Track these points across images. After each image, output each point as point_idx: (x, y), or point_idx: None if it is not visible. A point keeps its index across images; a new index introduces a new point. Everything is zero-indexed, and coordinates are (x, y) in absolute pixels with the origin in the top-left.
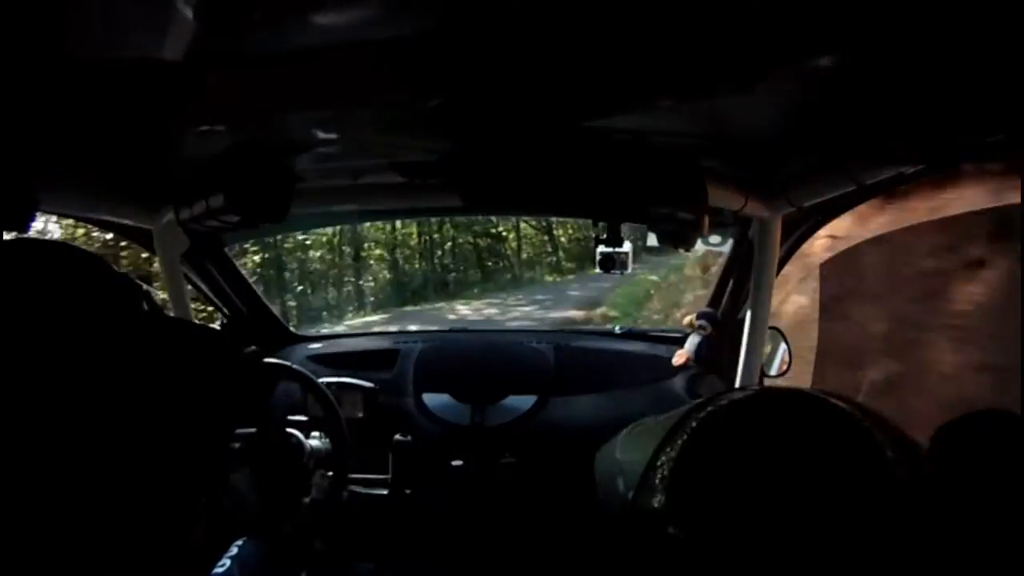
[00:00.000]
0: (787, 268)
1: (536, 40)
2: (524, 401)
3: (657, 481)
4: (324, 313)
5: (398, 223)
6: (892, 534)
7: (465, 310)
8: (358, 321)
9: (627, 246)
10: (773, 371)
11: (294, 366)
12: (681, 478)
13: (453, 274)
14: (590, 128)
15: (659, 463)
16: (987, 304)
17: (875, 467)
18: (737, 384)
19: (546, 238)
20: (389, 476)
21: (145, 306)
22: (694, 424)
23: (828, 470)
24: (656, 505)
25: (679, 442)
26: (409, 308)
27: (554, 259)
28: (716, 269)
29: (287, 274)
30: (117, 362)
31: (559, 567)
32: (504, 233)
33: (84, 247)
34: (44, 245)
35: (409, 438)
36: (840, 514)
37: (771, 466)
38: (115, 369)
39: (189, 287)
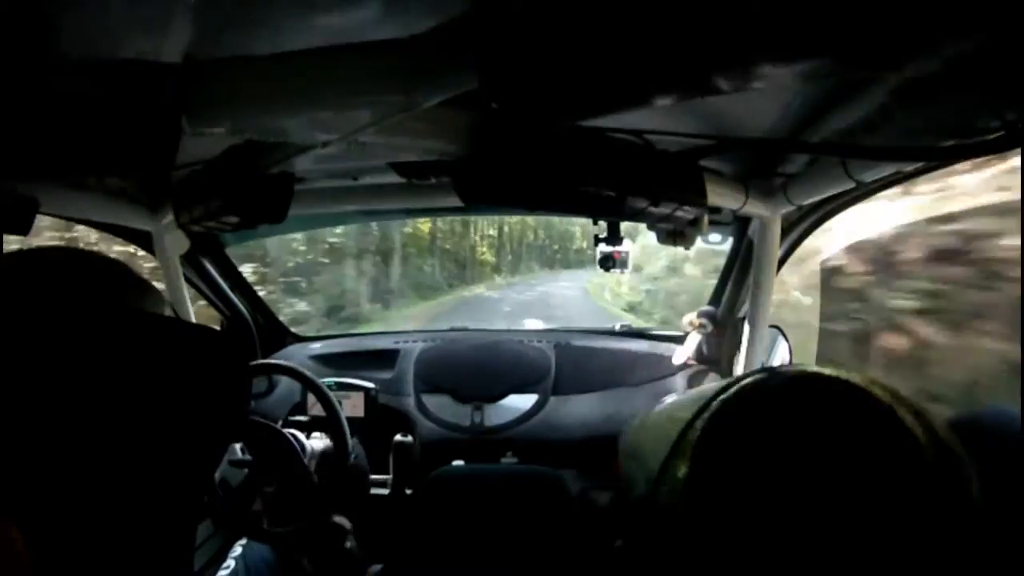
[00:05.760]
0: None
1: (535, 39)
2: (524, 400)
3: (676, 472)
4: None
5: None
6: (924, 514)
7: None
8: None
9: (627, 244)
10: None
11: (295, 366)
12: (701, 470)
13: None
14: (590, 127)
15: (678, 452)
16: None
17: (903, 446)
18: None
19: None
20: (390, 476)
21: (156, 307)
22: (711, 412)
23: (856, 453)
24: (675, 497)
25: (699, 429)
26: None
27: None
28: None
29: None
30: (114, 362)
31: (560, 566)
32: None
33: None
34: (37, 250)
35: (410, 438)
36: (870, 494)
37: (796, 449)
38: (112, 369)
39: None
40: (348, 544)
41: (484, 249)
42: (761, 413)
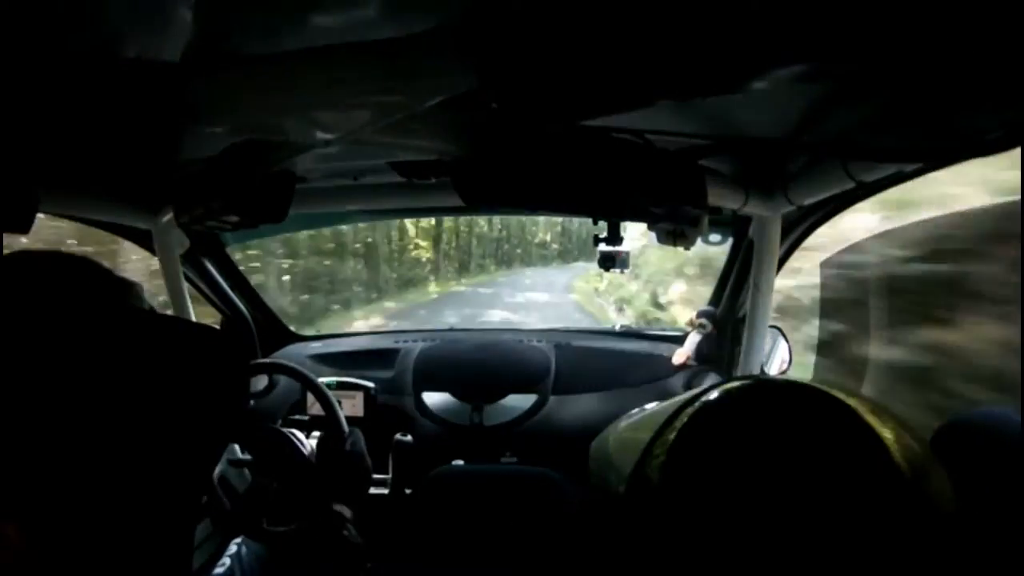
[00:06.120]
0: None
1: (536, 39)
2: (524, 400)
3: (649, 476)
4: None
5: None
6: (894, 527)
7: None
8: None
9: (627, 244)
10: (773, 369)
11: (294, 365)
12: (674, 474)
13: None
14: (590, 127)
15: (652, 457)
16: None
17: (877, 460)
18: None
19: None
20: (389, 476)
21: (141, 304)
22: (686, 418)
23: (828, 463)
24: (648, 502)
25: (671, 436)
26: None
27: None
28: None
29: None
30: (113, 360)
31: (559, 566)
32: None
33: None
34: (31, 253)
35: (409, 438)
36: (841, 506)
37: (768, 459)
38: (111, 367)
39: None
40: (347, 532)
41: (421, 242)
42: (733, 422)
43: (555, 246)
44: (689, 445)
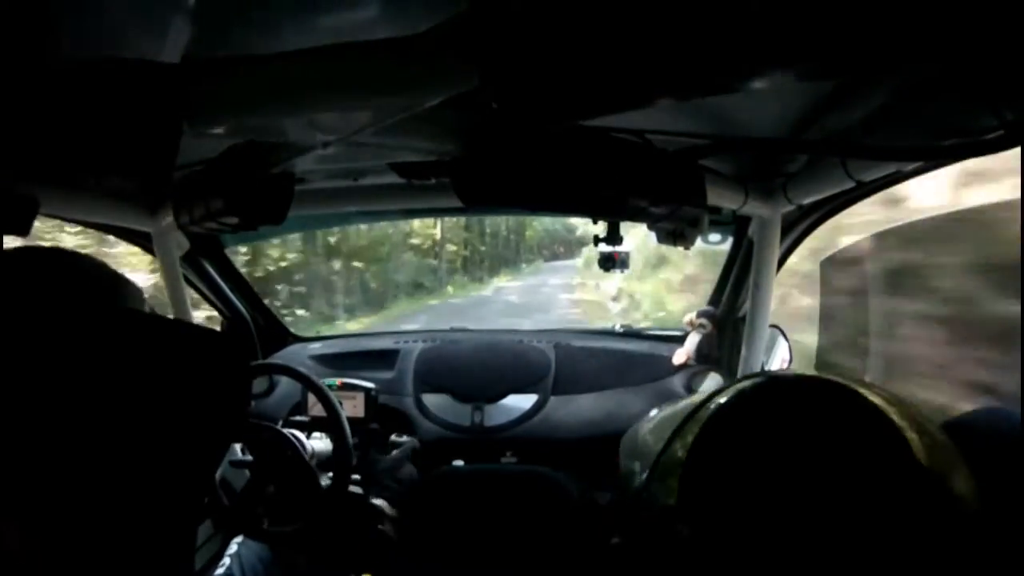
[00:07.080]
0: None
1: (536, 39)
2: (524, 401)
3: (671, 466)
4: None
5: None
6: (919, 525)
7: None
8: None
9: (627, 244)
10: (773, 368)
11: (295, 366)
12: (695, 466)
13: None
14: (590, 127)
15: (673, 448)
16: None
17: (900, 458)
18: None
19: None
20: None
21: (139, 306)
22: (709, 411)
23: (848, 455)
24: (668, 491)
25: (695, 428)
26: None
27: None
28: None
29: None
30: (115, 363)
31: (560, 566)
32: None
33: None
34: (34, 250)
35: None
36: (864, 506)
37: (787, 454)
38: (113, 370)
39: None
40: (383, 527)
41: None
42: (755, 416)
43: (453, 247)
44: (706, 455)
